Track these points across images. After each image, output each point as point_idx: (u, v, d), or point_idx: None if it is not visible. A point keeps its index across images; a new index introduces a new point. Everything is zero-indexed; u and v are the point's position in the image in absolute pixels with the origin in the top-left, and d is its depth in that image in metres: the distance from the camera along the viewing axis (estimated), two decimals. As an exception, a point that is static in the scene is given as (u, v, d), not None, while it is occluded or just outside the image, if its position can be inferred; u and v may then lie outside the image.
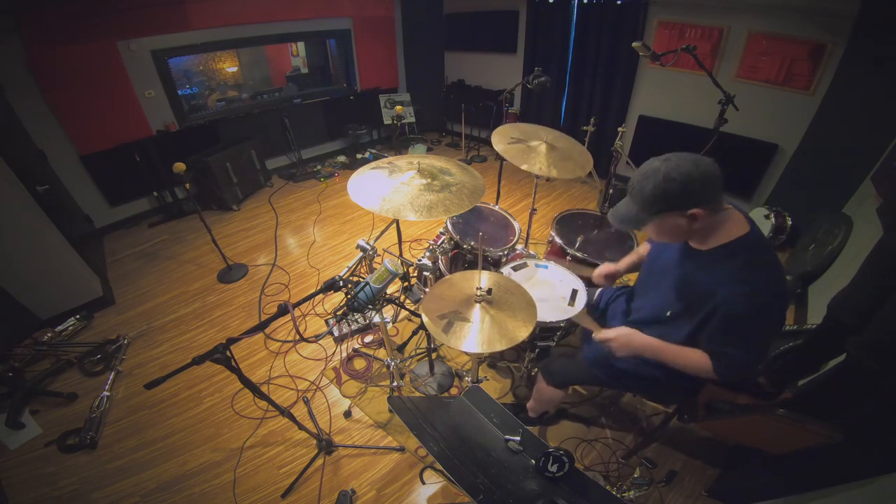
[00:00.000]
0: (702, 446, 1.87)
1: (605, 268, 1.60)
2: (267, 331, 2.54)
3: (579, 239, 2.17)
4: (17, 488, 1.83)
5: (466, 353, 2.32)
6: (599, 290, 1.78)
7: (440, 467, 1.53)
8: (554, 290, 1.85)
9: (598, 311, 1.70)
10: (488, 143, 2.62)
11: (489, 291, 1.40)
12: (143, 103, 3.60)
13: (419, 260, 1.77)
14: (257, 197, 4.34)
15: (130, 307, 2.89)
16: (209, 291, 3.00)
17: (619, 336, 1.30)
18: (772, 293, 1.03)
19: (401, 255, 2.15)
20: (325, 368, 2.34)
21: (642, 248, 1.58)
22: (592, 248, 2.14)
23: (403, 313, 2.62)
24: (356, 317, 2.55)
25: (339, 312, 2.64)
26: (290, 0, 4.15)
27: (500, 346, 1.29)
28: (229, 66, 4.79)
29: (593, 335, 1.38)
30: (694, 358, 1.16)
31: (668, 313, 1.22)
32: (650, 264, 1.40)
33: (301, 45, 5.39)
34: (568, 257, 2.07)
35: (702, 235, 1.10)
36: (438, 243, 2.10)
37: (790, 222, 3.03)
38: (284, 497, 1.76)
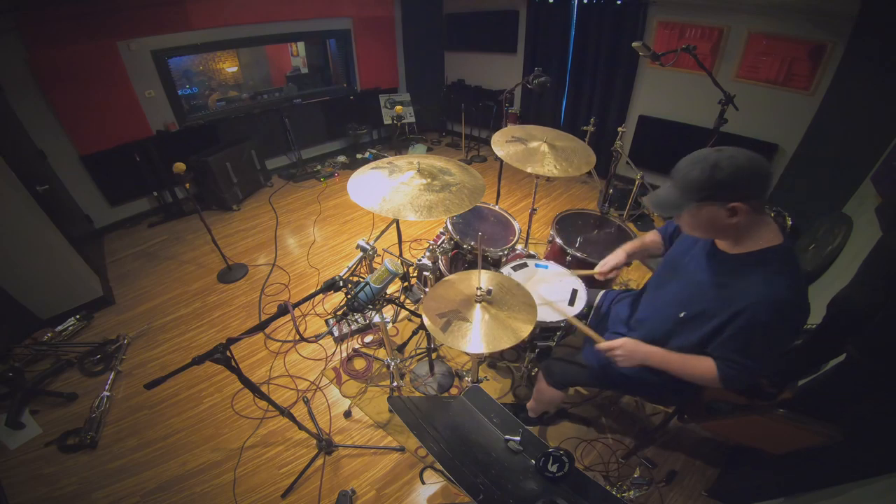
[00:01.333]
0: (702, 446, 1.88)
1: (609, 260, 1.59)
2: (267, 331, 2.54)
3: (579, 239, 2.17)
4: (17, 488, 1.83)
5: (466, 354, 2.32)
6: (602, 292, 1.77)
7: (440, 467, 1.53)
8: (554, 290, 1.85)
9: (601, 314, 1.69)
10: (488, 143, 2.62)
11: (489, 292, 1.40)
12: (143, 103, 3.60)
13: (419, 260, 1.77)
14: (257, 197, 4.34)
15: (130, 307, 2.89)
16: (209, 291, 3.00)
17: (624, 345, 1.28)
18: (797, 307, 1.02)
19: (401, 255, 2.15)
20: (325, 368, 2.34)
21: (648, 237, 1.56)
22: (592, 248, 2.14)
23: (403, 313, 2.62)
24: (356, 317, 2.55)
25: (339, 312, 2.64)
26: (290, 0, 4.15)
27: (504, 345, 1.29)
28: (229, 66, 4.80)
29: (596, 346, 1.36)
30: (700, 366, 1.14)
31: (683, 314, 1.20)
32: (671, 262, 1.37)
33: (301, 45, 5.39)
34: (568, 257, 2.07)
35: (736, 236, 1.07)
36: (438, 243, 2.10)
37: (790, 222, 3.02)
38: (284, 497, 1.76)
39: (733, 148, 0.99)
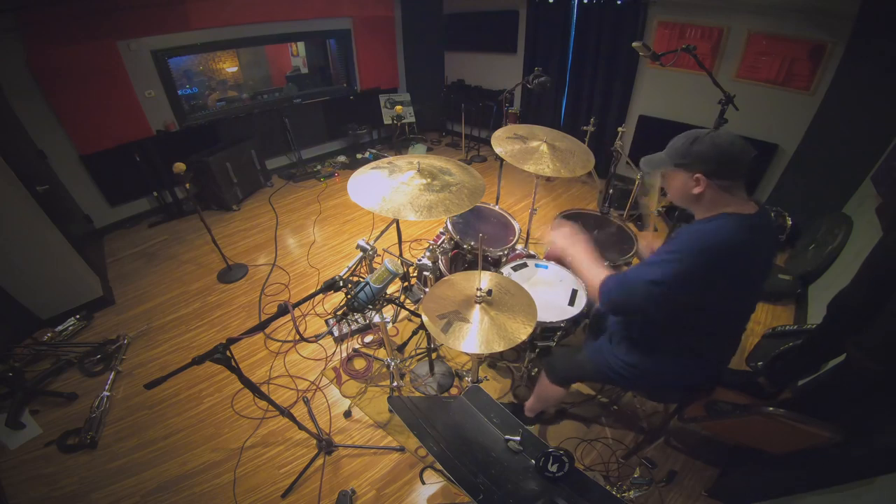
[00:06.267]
0: (702, 446, 1.87)
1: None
2: (267, 331, 2.54)
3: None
4: (17, 488, 1.83)
5: (466, 354, 2.32)
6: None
7: (440, 467, 1.53)
8: (554, 291, 1.85)
9: (600, 313, 1.69)
10: (488, 143, 2.62)
11: (489, 292, 1.40)
12: (143, 103, 3.60)
13: (419, 260, 1.77)
14: (257, 197, 4.34)
15: (130, 307, 2.89)
16: (209, 291, 3.00)
17: (566, 235, 1.43)
18: (708, 247, 1.06)
19: (401, 255, 2.15)
20: (325, 368, 2.34)
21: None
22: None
23: (403, 313, 2.62)
24: (356, 317, 2.54)
25: (339, 312, 2.63)
26: (290, 0, 4.15)
27: (498, 347, 1.29)
28: (229, 66, 4.79)
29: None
30: (597, 272, 1.25)
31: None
32: None
33: (301, 45, 5.39)
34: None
35: (705, 208, 1.15)
36: (438, 243, 2.10)
37: (790, 222, 3.03)
38: (284, 497, 1.76)
39: (727, 132, 1.08)
